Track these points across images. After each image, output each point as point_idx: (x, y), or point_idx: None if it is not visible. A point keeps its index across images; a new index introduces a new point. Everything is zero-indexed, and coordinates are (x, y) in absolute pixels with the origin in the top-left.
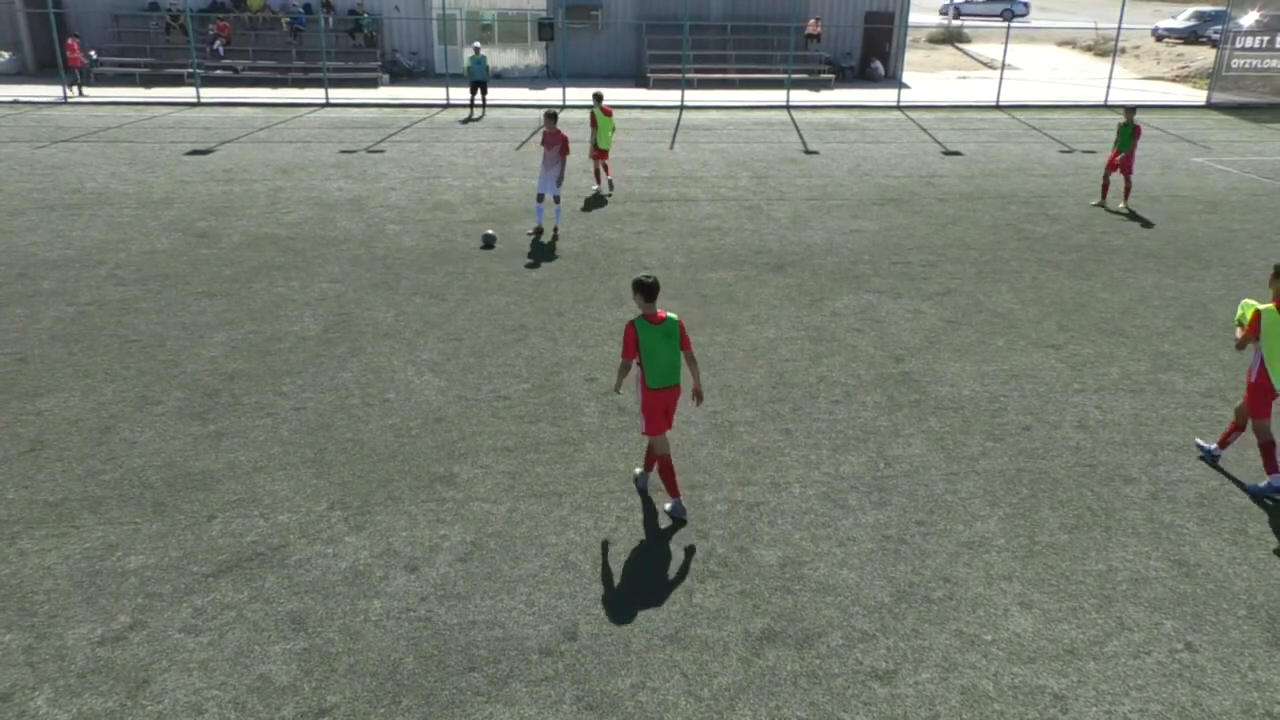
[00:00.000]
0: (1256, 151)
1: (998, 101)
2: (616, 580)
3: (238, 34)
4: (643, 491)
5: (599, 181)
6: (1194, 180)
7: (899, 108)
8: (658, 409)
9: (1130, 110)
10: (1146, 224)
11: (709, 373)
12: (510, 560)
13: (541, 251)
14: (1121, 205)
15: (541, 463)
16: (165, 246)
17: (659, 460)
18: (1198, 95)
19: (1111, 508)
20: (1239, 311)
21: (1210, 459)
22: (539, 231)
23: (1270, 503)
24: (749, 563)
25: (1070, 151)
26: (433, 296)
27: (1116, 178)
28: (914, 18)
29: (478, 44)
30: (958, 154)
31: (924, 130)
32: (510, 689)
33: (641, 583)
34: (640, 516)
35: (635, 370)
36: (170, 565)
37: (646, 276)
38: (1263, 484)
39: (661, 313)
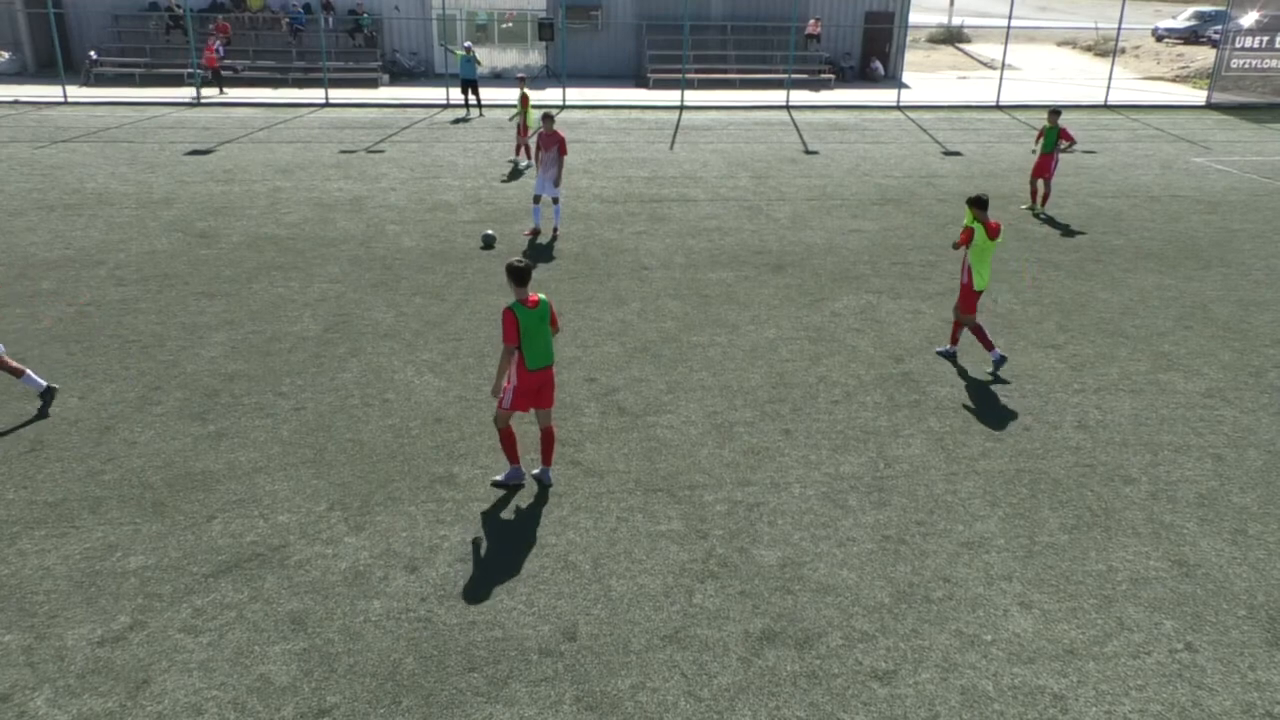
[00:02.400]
0: (1256, 151)
1: (998, 102)
2: (616, 580)
3: (238, 34)
4: (517, 483)
5: (527, 156)
6: (1194, 180)
7: (899, 108)
8: (530, 390)
9: (1055, 113)
10: (1065, 233)
11: (709, 373)
12: (510, 560)
13: (541, 252)
14: (1039, 209)
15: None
16: (165, 247)
17: (502, 432)
18: (1198, 95)
19: (1111, 508)
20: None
21: (949, 356)
22: (536, 232)
23: (992, 376)
24: (749, 563)
25: (1070, 152)
26: (433, 297)
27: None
28: (914, 18)
29: (468, 43)
30: (958, 154)
31: (924, 130)
32: (510, 689)
33: (641, 583)
34: (640, 516)
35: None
36: (170, 565)
37: (518, 261)
38: (995, 358)
39: (534, 296)
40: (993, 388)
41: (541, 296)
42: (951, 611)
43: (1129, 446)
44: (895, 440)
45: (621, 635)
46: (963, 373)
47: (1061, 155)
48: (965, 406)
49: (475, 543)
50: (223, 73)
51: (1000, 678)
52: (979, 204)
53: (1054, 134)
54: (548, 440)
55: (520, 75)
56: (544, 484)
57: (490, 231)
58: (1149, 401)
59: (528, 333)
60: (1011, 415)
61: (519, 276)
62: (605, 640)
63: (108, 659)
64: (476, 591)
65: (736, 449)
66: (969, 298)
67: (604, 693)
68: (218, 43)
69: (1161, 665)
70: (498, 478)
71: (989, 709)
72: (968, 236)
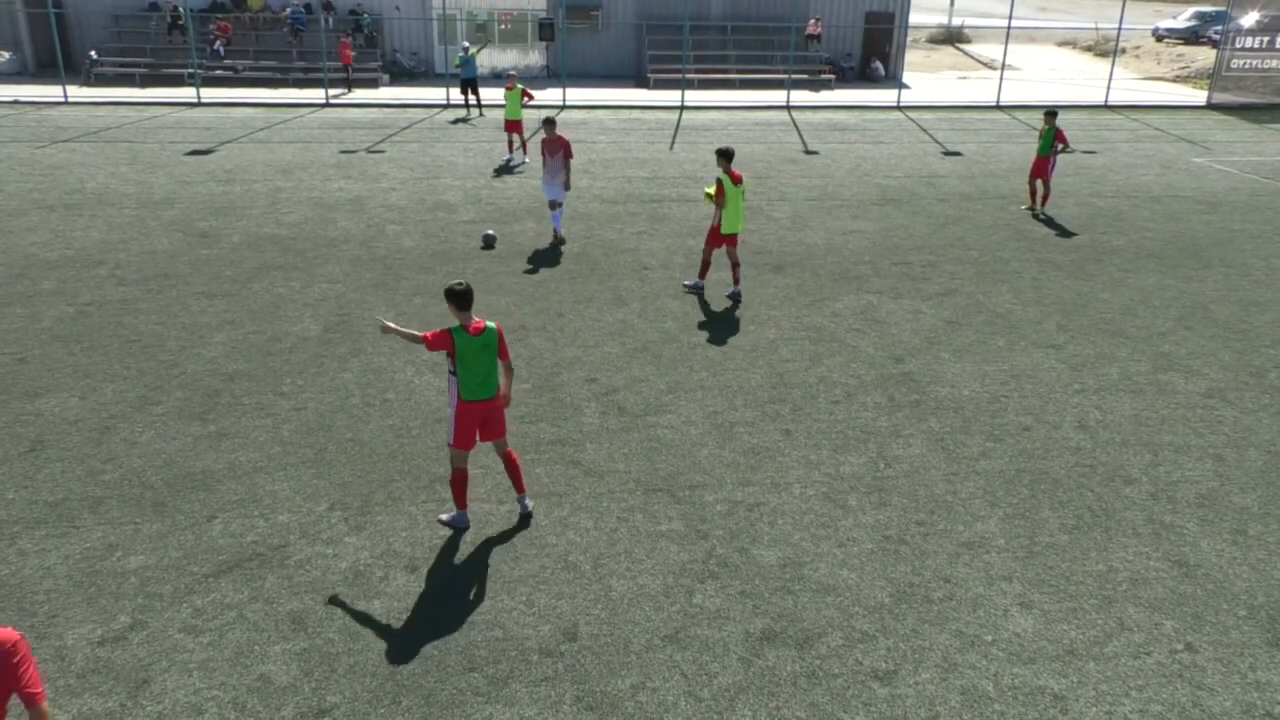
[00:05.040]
0: (1256, 152)
1: (998, 102)
2: (617, 580)
3: (238, 34)
4: (462, 528)
5: (522, 153)
6: (1194, 180)
7: (899, 108)
8: (472, 421)
9: (1051, 114)
10: (1065, 233)
11: (709, 373)
12: (510, 560)
13: (541, 252)
14: (1038, 209)
15: (541, 463)
16: (165, 246)
17: (455, 473)
18: (1198, 95)
19: (1112, 508)
20: (707, 191)
21: (696, 290)
22: (562, 239)
23: (734, 301)
24: (749, 563)
25: (1070, 152)
26: (433, 297)
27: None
28: (914, 18)
29: (466, 43)
30: (958, 154)
31: (924, 130)
32: (510, 689)
33: (641, 583)
34: (640, 516)
35: (451, 380)
36: (170, 565)
37: (458, 284)
38: (729, 291)
39: (480, 322)
40: (993, 388)
41: (489, 324)
42: (952, 612)
43: (1129, 447)
44: (895, 440)
45: (622, 635)
46: (963, 373)
47: (1059, 156)
48: (965, 406)
49: (475, 543)
50: (352, 73)
51: (1000, 678)
52: (725, 155)
53: (1051, 135)
54: (511, 467)
55: (512, 74)
56: (525, 514)
57: (491, 231)
58: (1149, 402)
59: (465, 360)
60: (1011, 415)
61: (460, 300)
62: (605, 640)
63: (108, 659)
64: (477, 591)
65: (737, 449)
66: (715, 238)
67: (604, 693)
68: (349, 38)
69: (1162, 665)
70: (443, 517)
71: (989, 709)
72: (722, 193)
